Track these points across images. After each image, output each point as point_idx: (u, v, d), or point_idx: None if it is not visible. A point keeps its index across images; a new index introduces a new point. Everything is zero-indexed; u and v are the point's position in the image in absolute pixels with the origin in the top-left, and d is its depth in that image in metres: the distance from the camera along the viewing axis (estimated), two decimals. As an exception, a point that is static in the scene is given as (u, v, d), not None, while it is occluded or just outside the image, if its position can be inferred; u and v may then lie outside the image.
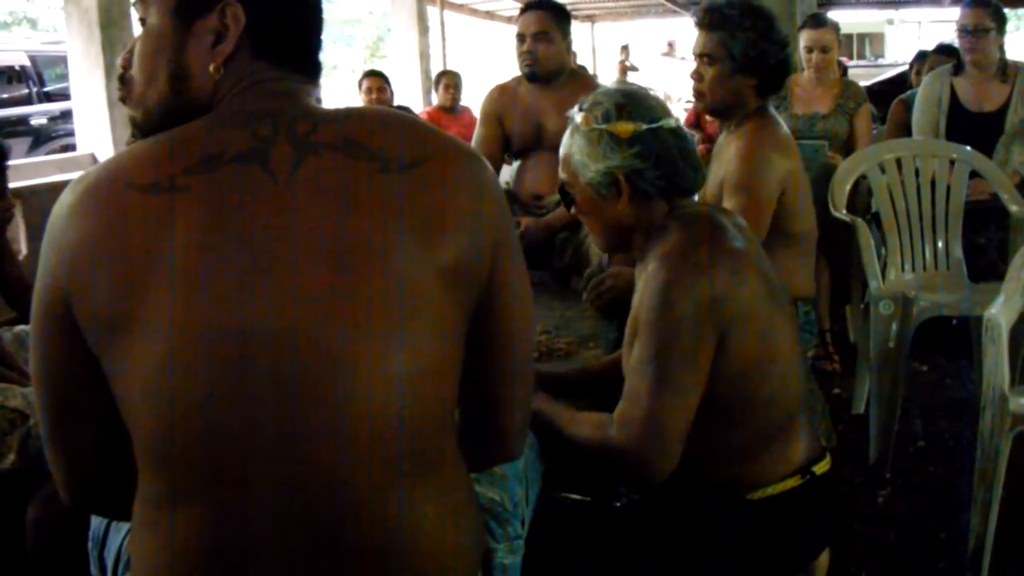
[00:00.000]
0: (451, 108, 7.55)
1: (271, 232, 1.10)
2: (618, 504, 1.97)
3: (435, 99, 7.98)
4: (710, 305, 1.69)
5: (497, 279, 1.22)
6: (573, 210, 1.95)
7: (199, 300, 1.07)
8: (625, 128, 1.80)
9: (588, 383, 2.23)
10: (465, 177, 1.20)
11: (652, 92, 1.94)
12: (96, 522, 1.58)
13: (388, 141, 1.17)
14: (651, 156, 1.80)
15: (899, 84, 6.88)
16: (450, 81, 7.62)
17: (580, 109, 1.87)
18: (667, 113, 1.85)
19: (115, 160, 1.17)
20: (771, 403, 1.80)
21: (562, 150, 1.91)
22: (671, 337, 1.69)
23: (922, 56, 6.66)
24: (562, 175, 1.92)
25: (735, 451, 1.80)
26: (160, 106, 1.26)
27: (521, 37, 3.60)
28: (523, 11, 3.70)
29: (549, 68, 3.58)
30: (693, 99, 2.90)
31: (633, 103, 1.83)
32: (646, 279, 1.76)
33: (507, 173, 4.04)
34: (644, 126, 1.81)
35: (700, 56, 2.72)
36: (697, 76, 2.73)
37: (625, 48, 15.10)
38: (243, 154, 1.13)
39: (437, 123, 7.23)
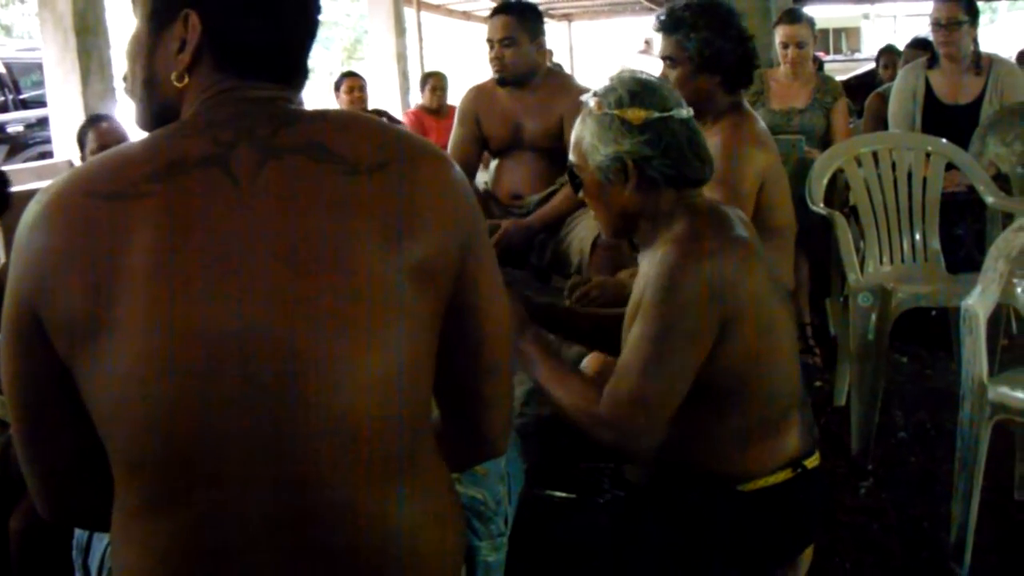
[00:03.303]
0: (436, 110, 7.45)
1: (236, 236, 1.10)
2: (601, 501, 1.98)
3: (413, 101, 7.90)
4: (717, 292, 1.70)
5: (468, 278, 1.22)
6: (580, 193, 1.96)
7: (167, 305, 1.07)
8: (637, 115, 1.82)
9: (577, 328, 2.26)
10: (432, 177, 1.20)
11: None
12: (80, 531, 1.57)
13: (353, 143, 1.18)
14: (660, 144, 1.82)
15: (875, 78, 6.93)
16: (436, 83, 7.53)
17: (594, 95, 1.89)
18: (679, 104, 1.87)
19: (78, 170, 1.17)
20: (770, 395, 1.82)
21: (573, 134, 1.93)
22: (673, 320, 1.70)
23: (887, 50, 6.70)
24: (572, 158, 1.94)
25: (731, 441, 1.81)
26: (142, 106, 1.29)
27: (490, 43, 3.64)
28: (490, 16, 3.72)
29: (518, 72, 3.60)
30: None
31: (646, 91, 1.85)
32: (654, 262, 1.78)
33: (485, 173, 4.05)
34: (656, 114, 1.82)
35: (663, 60, 2.76)
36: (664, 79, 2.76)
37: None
38: (205, 159, 1.13)
39: (420, 124, 7.18)
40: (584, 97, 1.92)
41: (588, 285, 2.71)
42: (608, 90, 1.87)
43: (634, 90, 1.85)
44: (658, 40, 2.81)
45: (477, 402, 1.31)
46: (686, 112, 1.86)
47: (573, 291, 2.73)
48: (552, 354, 1.94)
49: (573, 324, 2.27)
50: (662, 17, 2.75)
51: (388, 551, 1.16)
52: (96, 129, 3.65)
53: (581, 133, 1.90)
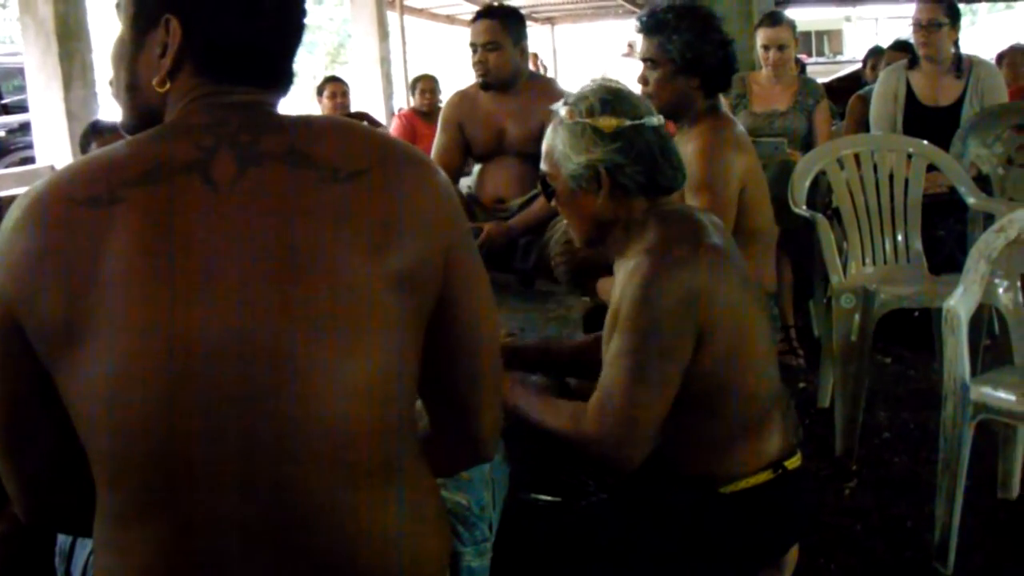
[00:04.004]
0: (427, 113, 7.27)
1: (214, 242, 1.09)
2: (585, 503, 1.98)
3: (396, 105, 7.80)
4: (691, 301, 1.71)
5: (453, 283, 1.21)
6: (553, 202, 1.96)
7: (145, 311, 1.07)
8: (608, 123, 1.83)
9: (555, 362, 2.26)
10: (416, 183, 1.20)
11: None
12: (62, 537, 1.57)
13: (336, 149, 1.17)
14: (632, 152, 1.83)
15: (857, 80, 6.94)
16: (427, 85, 7.38)
17: (565, 103, 1.89)
18: (651, 112, 1.88)
19: (58, 175, 1.17)
20: (747, 398, 1.83)
21: (545, 143, 1.93)
22: (650, 331, 1.72)
23: (876, 51, 6.72)
24: (544, 167, 1.94)
25: (710, 444, 1.82)
26: (127, 110, 1.29)
27: (473, 47, 3.64)
28: (473, 20, 3.73)
29: (501, 76, 3.61)
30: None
31: (618, 99, 1.86)
32: (628, 273, 1.78)
33: (468, 178, 4.05)
34: (627, 122, 1.83)
35: (644, 61, 2.77)
36: (643, 80, 2.78)
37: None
38: (185, 166, 1.12)
39: (412, 128, 7.08)
40: (555, 106, 1.93)
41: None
42: (579, 99, 1.87)
43: (605, 98, 1.85)
44: (640, 42, 2.82)
45: (467, 407, 1.31)
46: (657, 120, 1.87)
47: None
48: (531, 390, 1.96)
49: (549, 359, 2.28)
50: (644, 18, 2.76)
51: (388, 556, 1.16)
52: (101, 140, 3.63)
53: (553, 142, 1.90)
